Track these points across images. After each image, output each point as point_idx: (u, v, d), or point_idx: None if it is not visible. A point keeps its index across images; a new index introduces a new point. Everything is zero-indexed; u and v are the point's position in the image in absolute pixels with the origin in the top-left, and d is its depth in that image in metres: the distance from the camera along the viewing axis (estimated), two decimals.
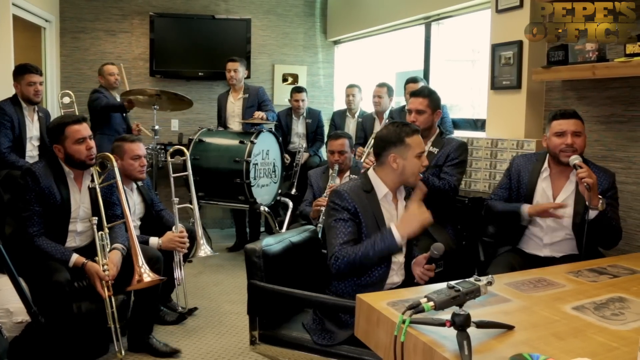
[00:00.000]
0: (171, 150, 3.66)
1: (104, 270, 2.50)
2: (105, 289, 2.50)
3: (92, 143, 2.67)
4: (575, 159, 2.32)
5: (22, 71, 3.66)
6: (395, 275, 2.15)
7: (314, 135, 5.33)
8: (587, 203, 2.25)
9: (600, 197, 2.27)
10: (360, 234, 2.04)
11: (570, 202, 2.42)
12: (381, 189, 2.10)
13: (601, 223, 2.28)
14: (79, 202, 2.68)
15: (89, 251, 2.68)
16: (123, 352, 2.62)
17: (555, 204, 2.41)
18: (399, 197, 2.17)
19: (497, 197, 2.66)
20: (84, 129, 2.65)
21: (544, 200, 2.49)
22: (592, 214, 2.27)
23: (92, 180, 2.73)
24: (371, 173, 2.15)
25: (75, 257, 2.56)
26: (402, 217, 2.04)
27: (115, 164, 2.78)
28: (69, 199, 2.63)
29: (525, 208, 2.46)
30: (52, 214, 2.60)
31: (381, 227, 2.04)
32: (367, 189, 2.09)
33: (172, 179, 3.49)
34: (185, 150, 3.68)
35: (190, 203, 3.47)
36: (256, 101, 4.80)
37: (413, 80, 4.20)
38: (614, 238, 2.40)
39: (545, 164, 2.53)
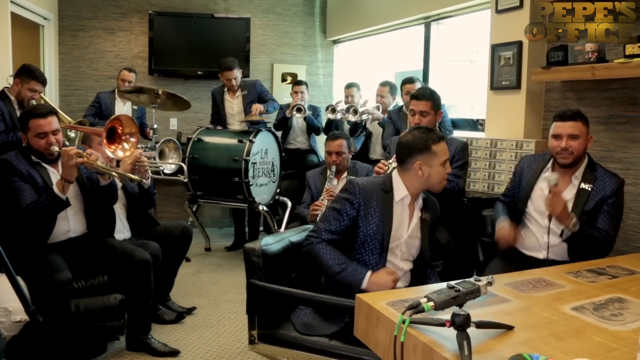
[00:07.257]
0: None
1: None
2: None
3: (54, 139, 2.56)
4: (552, 180, 2.23)
5: (32, 76, 3.58)
6: (399, 282, 2.10)
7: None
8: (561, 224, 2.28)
9: (574, 218, 2.24)
10: (356, 229, 2.03)
11: (569, 206, 2.35)
12: (400, 192, 2.07)
13: (579, 240, 2.29)
14: None
15: (83, 243, 2.69)
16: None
17: (508, 235, 2.41)
18: (416, 206, 2.12)
19: (505, 198, 2.65)
20: (47, 124, 2.54)
21: (541, 200, 2.43)
22: (567, 232, 2.29)
23: None
24: (395, 174, 2.11)
25: (55, 186, 2.47)
26: (379, 277, 1.99)
27: None
28: (49, 178, 2.59)
29: (500, 224, 2.48)
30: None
31: (385, 227, 2.02)
32: (387, 189, 2.07)
33: None
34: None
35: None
36: (255, 95, 4.76)
37: (409, 80, 4.19)
38: (599, 250, 2.32)
39: (549, 164, 2.50)
